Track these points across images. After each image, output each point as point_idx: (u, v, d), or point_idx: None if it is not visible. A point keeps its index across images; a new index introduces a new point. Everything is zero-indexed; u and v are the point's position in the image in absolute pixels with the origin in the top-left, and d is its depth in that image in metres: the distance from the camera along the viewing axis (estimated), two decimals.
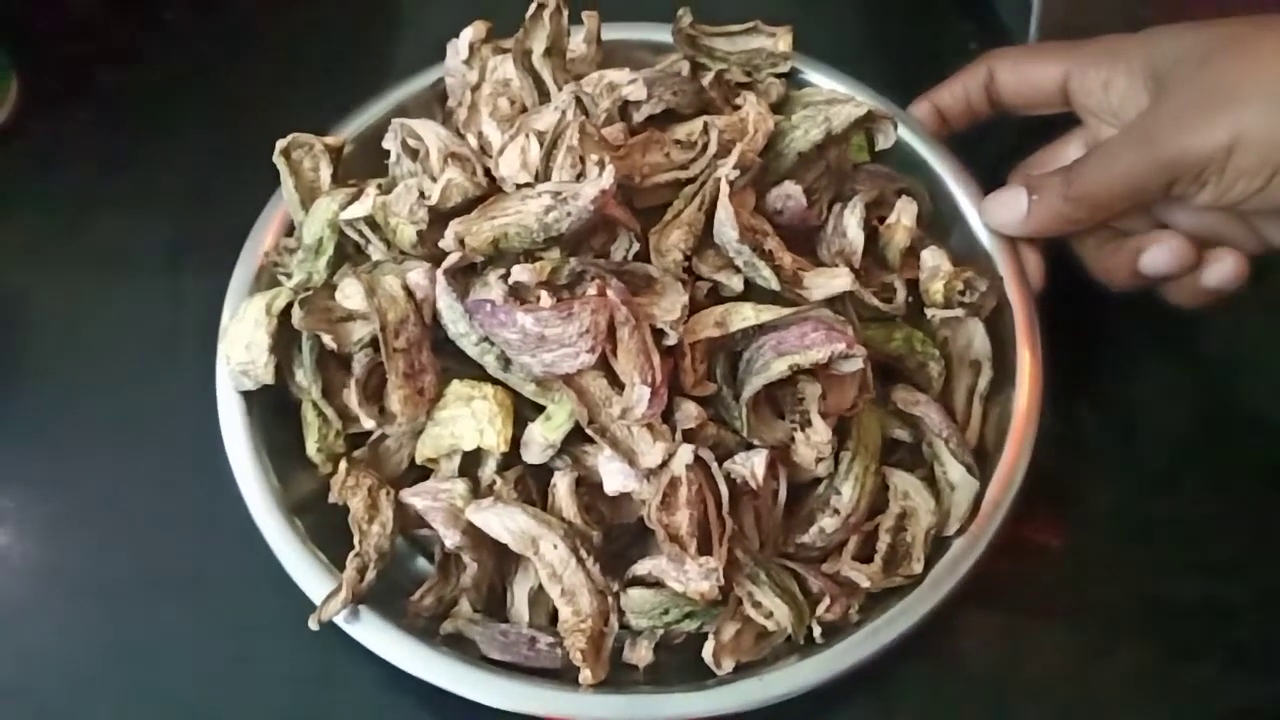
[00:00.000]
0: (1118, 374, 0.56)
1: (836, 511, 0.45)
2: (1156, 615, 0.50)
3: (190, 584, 0.51)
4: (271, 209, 0.52)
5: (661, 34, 0.56)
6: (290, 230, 0.51)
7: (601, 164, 0.42)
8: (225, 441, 0.47)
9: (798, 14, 0.56)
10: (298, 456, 0.48)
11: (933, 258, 0.49)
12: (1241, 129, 0.44)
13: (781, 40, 0.55)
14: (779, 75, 0.54)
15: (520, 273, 0.41)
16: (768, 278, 0.44)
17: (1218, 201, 0.46)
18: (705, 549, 0.42)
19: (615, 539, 0.46)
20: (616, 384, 0.43)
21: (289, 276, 0.49)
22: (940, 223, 0.53)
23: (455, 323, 0.44)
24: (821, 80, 0.55)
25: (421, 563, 0.49)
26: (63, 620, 0.50)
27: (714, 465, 0.43)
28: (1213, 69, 0.45)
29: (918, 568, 0.45)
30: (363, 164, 0.52)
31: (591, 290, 0.41)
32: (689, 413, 0.43)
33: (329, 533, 0.46)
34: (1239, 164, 0.44)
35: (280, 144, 0.49)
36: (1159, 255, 0.49)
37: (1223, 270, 0.49)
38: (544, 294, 0.42)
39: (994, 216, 0.52)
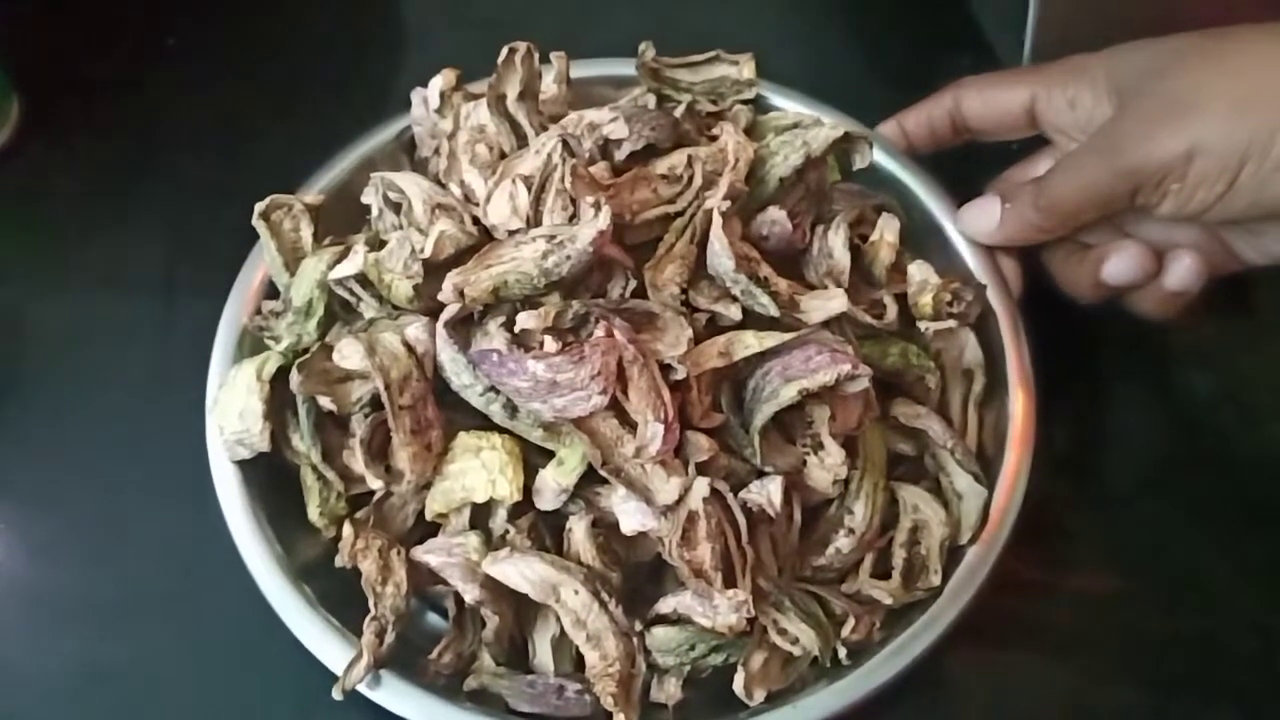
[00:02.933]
0: (1102, 405, 0.56)
1: (851, 531, 0.45)
2: (1144, 649, 0.50)
3: (177, 607, 0.50)
4: (250, 266, 0.51)
5: (622, 68, 0.56)
6: (272, 289, 0.50)
7: (597, 205, 0.41)
8: (225, 513, 0.46)
9: (795, 48, 0.56)
10: (298, 521, 0.47)
11: (920, 271, 0.49)
12: (1200, 136, 0.45)
13: (745, 68, 0.55)
14: (745, 102, 0.55)
15: (527, 320, 0.41)
16: (766, 304, 0.44)
17: (1180, 211, 0.47)
18: (730, 581, 0.42)
19: (629, 578, 0.45)
20: (626, 423, 0.42)
21: (275, 340, 0.48)
22: (914, 237, 0.54)
23: (459, 374, 0.43)
24: (787, 104, 0.55)
25: (432, 618, 0.48)
26: (48, 641, 0.50)
27: (730, 496, 0.43)
28: (1173, 79, 0.46)
29: (936, 579, 0.45)
30: (335, 218, 0.51)
31: (599, 332, 0.41)
32: (700, 445, 0.43)
33: (337, 596, 0.45)
34: (1199, 171, 0.45)
35: (259, 207, 0.48)
36: (1119, 264, 0.50)
37: (1181, 270, 0.49)
38: (548, 339, 0.41)
39: (969, 224, 0.53)
